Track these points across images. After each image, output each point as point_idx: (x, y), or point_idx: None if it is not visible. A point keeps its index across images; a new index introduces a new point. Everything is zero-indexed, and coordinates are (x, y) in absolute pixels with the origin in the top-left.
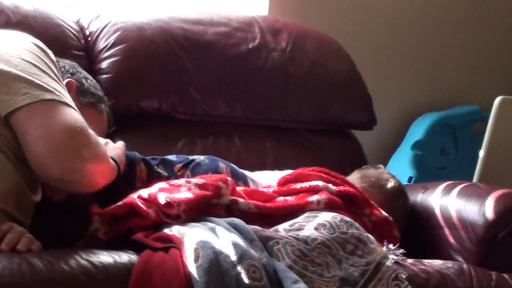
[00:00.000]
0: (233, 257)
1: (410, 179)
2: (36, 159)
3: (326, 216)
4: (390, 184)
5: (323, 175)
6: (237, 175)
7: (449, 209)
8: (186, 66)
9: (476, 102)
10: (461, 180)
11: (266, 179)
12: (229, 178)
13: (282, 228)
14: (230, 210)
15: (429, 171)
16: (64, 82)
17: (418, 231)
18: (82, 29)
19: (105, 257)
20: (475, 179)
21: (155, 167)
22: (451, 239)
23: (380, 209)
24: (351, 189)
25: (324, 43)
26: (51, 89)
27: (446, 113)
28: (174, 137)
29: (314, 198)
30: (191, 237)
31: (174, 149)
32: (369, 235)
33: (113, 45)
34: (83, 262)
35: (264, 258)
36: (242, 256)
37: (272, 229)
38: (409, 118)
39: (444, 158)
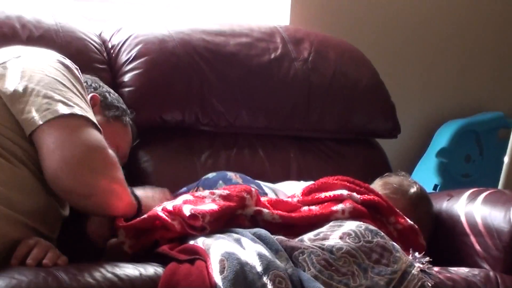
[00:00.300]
0: (259, 268)
1: (435, 187)
2: (50, 170)
3: (351, 225)
4: (413, 189)
5: (348, 184)
6: (248, 182)
7: (474, 216)
8: (208, 78)
9: (501, 108)
10: (486, 187)
11: (290, 189)
12: (253, 189)
13: (307, 238)
14: (254, 220)
15: (454, 178)
16: (88, 97)
17: (444, 239)
18: (104, 42)
19: (130, 270)
20: (500, 185)
21: None
22: (477, 246)
23: (405, 217)
24: (376, 198)
25: (346, 52)
26: (72, 104)
27: (470, 119)
28: (198, 149)
29: (339, 207)
30: (217, 249)
31: (198, 161)
32: (394, 244)
33: (135, 58)
34: (109, 275)
35: (290, 268)
36: (268, 267)
37: (297, 239)
38: (434, 125)
39: (469, 165)
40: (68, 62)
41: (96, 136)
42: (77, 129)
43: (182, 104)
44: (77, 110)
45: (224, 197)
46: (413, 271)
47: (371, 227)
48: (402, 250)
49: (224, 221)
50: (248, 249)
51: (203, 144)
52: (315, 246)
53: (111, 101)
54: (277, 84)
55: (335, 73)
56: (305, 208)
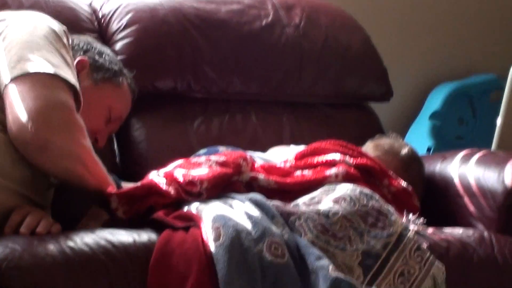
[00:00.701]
0: (255, 235)
1: (428, 149)
2: (9, 124)
3: (345, 189)
4: (404, 151)
5: (340, 148)
6: None
7: (468, 178)
8: (199, 45)
9: (493, 71)
10: (480, 149)
11: (281, 156)
12: (248, 156)
13: (302, 203)
14: (250, 186)
15: (447, 141)
16: (76, 60)
17: (438, 201)
18: (94, 11)
19: (124, 237)
20: (493, 147)
21: None
22: (471, 207)
23: (399, 179)
24: (369, 161)
25: (338, 17)
26: (47, 63)
27: (463, 82)
28: (191, 116)
29: (332, 171)
30: (211, 214)
31: (190, 128)
32: (390, 207)
33: (126, 26)
34: (103, 242)
35: (286, 234)
36: (264, 233)
37: (292, 204)
38: (426, 88)
39: (462, 128)
40: (55, 25)
41: (65, 96)
42: (44, 86)
43: (174, 71)
44: (50, 69)
45: (221, 164)
46: (408, 234)
47: (366, 190)
48: (397, 213)
49: (221, 188)
50: (243, 215)
51: (195, 111)
52: (311, 211)
53: (102, 63)
54: (268, 50)
55: (327, 38)
56: (298, 173)
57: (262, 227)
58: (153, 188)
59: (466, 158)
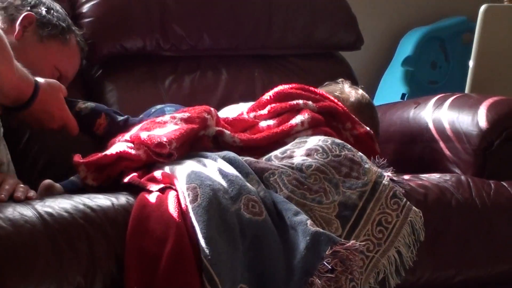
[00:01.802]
0: (231, 193)
1: (403, 95)
2: None
3: (316, 140)
4: (355, 95)
5: (303, 92)
6: None
7: (442, 122)
8: (167, 2)
9: (463, 13)
10: (453, 92)
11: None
12: (212, 109)
13: (274, 157)
14: (216, 142)
15: (421, 86)
16: (22, 15)
17: (413, 147)
18: None
19: (102, 201)
20: (466, 89)
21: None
22: (447, 152)
23: (360, 123)
24: (332, 104)
25: None
26: None
27: (433, 26)
28: (161, 75)
29: (298, 120)
30: (185, 173)
31: (162, 87)
32: (362, 155)
33: None
34: (81, 206)
35: (262, 191)
36: (240, 192)
37: (264, 158)
38: (397, 34)
39: (435, 72)
40: None
41: None
42: None
43: (142, 31)
44: None
45: (186, 120)
46: (383, 182)
47: (337, 140)
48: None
49: (189, 145)
50: (218, 173)
51: (166, 69)
52: (285, 165)
53: (49, 19)
54: (237, 4)
55: None
56: (263, 124)
57: (237, 185)
58: (122, 155)
59: (440, 103)
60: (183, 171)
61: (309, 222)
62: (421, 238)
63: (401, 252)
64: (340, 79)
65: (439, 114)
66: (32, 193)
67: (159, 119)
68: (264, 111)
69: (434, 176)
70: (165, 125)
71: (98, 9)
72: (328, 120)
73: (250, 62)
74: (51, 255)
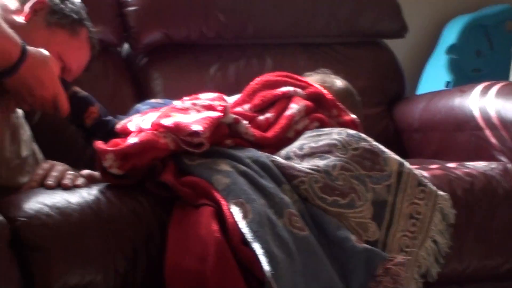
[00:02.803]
0: (275, 208)
1: (447, 83)
2: None
3: (331, 134)
4: (337, 84)
5: (289, 79)
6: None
7: (488, 110)
8: None
9: (507, 1)
10: (498, 80)
11: None
12: (223, 96)
13: (293, 154)
14: (229, 128)
15: (465, 74)
16: (33, 1)
17: (458, 135)
18: None
19: (145, 195)
20: (511, 77)
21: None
22: (493, 140)
23: (346, 110)
24: (319, 90)
25: None
26: None
27: (478, 14)
28: (206, 63)
29: (294, 109)
30: (225, 186)
31: (207, 75)
32: (378, 144)
33: None
34: (128, 198)
35: (297, 203)
36: (282, 206)
37: (282, 154)
38: (441, 22)
39: (479, 60)
40: None
41: None
42: None
43: (186, 19)
44: None
45: (207, 107)
46: (405, 170)
47: (351, 131)
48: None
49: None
50: (256, 183)
51: (210, 57)
52: (312, 170)
53: (61, 8)
54: None
55: None
56: (261, 117)
57: (279, 198)
58: (150, 143)
59: (485, 91)
60: (221, 181)
61: (353, 238)
62: (451, 221)
63: (436, 241)
64: (322, 69)
65: (484, 102)
66: (80, 180)
67: (179, 105)
68: (256, 101)
69: (480, 164)
70: (188, 112)
71: None
72: (315, 107)
73: (294, 50)
74: (98, 243)
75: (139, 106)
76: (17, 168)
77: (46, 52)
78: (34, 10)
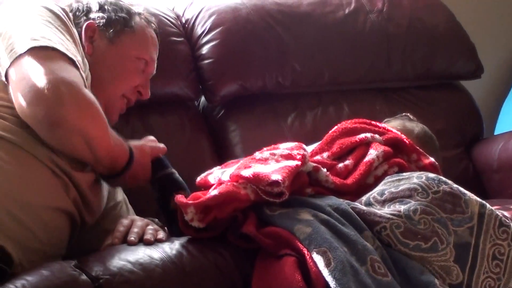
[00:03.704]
0: (357, 254)
1: None
2: (17, 101)
3: (411, 178)
4: (418, 128)
5: (367, 126)
6: None
7: None
8: (285, 40)
9: None
10: None
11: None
12: (302, 145)
13: (374, 200)
14: (309, 177)
15: None
16: (84, 27)
17: None
18: (178, 17)
19: (229, 247)
20: None
21: None
22: None
23: (425, 154)
24: (397, 135)
25: None
26: (41, 38)
27: None
28: (283, 112)
29: (373, 154)
30: (307, 235)
31: (284, 124)
32: (458, 186)
33: (210, 29)
34: (209, 250)
35: (379, 248)
36: (364, 253)
37: (363, 202)
38: None
39: None
40: (52, 6)
41: (72, 71)
42: (45, 59)
43: (262, 69)
44: (46, 42)
45: (286, 156)
46: (487, 211)
47: (431, 174)
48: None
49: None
50: (337, 231)
51: (287, 107)
52: (393, 215)
53: (108, 18)
54: (354, 39)
55: (411, 20)
56: (341, 165)
57: (360, 245)
58: (231, 194)
59: None
60: (302, 230)
61: (438, 282)
62: None
63: None
64: (401, 114)
65: None
66: (161, 234)
67: (258, 156)
68: (335, 148)
69: None
70: (267, 162)
71: (218, 51)
72: (394, 152)
73: (370, 95)
74: None
75: None
76: (110, 210)
77: (144, 146)
78: (89, 38)
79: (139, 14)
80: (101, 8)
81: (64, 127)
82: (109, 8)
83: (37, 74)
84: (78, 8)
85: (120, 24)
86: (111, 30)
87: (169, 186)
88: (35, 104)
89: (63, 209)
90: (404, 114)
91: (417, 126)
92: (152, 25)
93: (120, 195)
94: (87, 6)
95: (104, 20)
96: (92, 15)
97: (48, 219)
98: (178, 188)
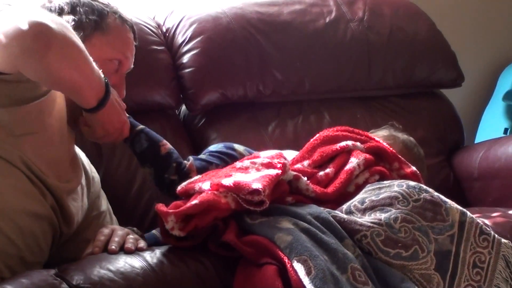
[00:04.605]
0: (338, 263)
1: (505, 130)
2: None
3: (392, 186)
4: (402, 137)
5: (349, 134)
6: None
7: None
8: (266, 49)
9: None
10: None
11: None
12: (281, 152)
13: (354, 208)
14: (290, 185)
15: None
16: None
17: None
18: (159, 26)
19: (211, 256)
20: None
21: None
22: None
23: (407, 163)
24: (379, 144)
25: (401, 7)
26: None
27: None
28: (264, 121)
29: (354, 163)
30: (287, 243)
31: (265, 133)
32: (439, 195)
33: (191, 38)
34: (193, 260)
35: (359, 257)
36: (345, 261)
37: (343, 210)
38: (497, 69)
39: None
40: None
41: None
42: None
43: (243, 78)
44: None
45: (266, 165)
46: (467, 220)
47: (412, 183)
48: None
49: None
50: (317, 240)
51: (268, 115)
52: (374, 223)
53: (79, 21)
54: (335, 47)
55: (392, 29)
56: (321, 173)
57: (341, 254)
58: (212, 203)
59: None
60: (283, 239)
61: None
62: None
63: None
64: (387, 125)
65: None
66: (142, 243)
67: (238, 164)
68: (316, 157)
69: None
70: (248, 171)
71: (199, 59)
72: (375, 160)
73: (351, 104)
74: None
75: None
76: (93, 220)
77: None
78: None
79: (114, 12)
80: (73, 10)
81: (53, 50)
82: (81, 10)
83: (17, 16)
84: (50, 8)
85: (91, 27)
86: (81, 34)
87: (154, 135)
88: (21, 34)
89: (39, 214)
90: (390, 122)
91: (401, 135)
92: (128, 22)
93: (105, 204)
94: (59, 7)
95: (74, 23)
96: (63, 17)
97: (23, 224)
98: (160, 137)
